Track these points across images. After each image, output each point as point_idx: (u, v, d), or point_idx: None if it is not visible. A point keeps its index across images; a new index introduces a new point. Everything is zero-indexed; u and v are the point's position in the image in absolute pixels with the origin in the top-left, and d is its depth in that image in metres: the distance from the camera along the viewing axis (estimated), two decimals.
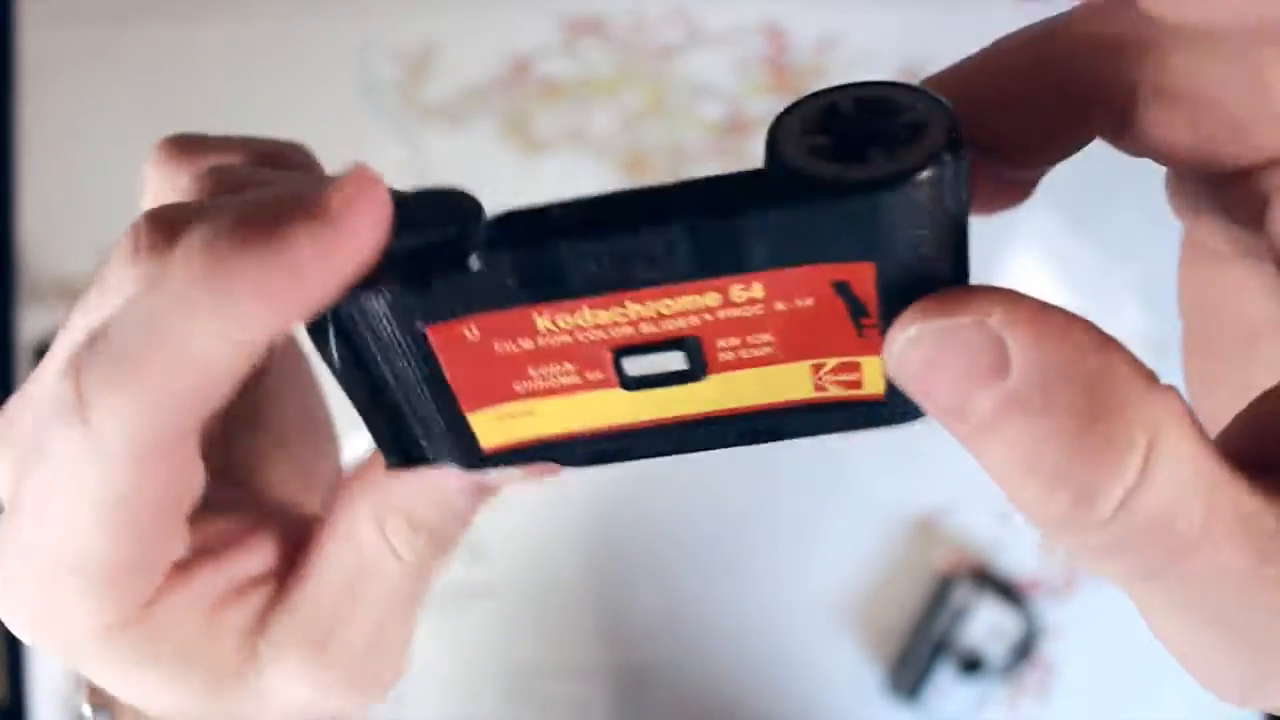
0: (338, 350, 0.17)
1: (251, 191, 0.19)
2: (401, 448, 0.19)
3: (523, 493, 0.20)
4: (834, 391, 0.17)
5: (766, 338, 0.16)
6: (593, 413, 0.17)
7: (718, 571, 0.55)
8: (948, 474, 0.54)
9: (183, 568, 0.20)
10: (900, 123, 0.14)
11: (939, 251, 0.15)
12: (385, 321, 0.16)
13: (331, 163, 0.20)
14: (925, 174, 0.14)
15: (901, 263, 0.15)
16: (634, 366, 0.16)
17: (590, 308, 0.16)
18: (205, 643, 0.20)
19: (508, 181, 0.54)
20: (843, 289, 0.15)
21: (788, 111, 0.15)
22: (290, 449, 0.26)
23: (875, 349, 0.16)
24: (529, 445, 0.18)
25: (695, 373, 0.17)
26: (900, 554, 0.54)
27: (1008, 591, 0.53)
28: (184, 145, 0.22)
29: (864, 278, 0.15)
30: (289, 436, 0.26)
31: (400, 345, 0.16)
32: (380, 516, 0.20)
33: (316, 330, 0.17)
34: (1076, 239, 0.53)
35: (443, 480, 0.20)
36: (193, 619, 0.20)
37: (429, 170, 0.55)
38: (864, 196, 0.14)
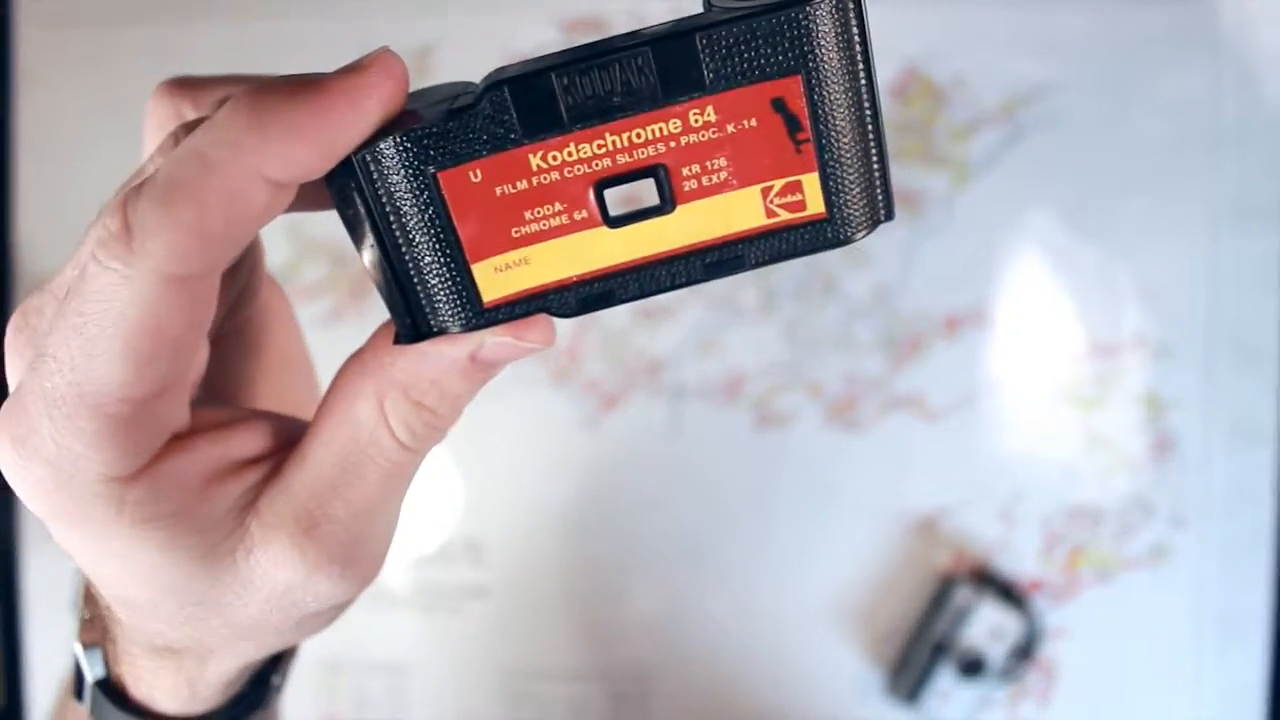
0: (357, 198, 0.19)
1: None
2: (410, 319, 0.21)
3: (516, 357, 0.22)
4: (783, 216, 0.20)
5: (722, 161, 0.19)
6: (580, 255, 0.20)
7: (717, 573, 0.55)
8: (948, 475, 0.54)
9: (182, 439, 0.21)
10: None
11: (848, 60, 0.19)
12: (401, 168, 0.19)
13: None
14: None
15: (821, 73, 0.19)
16: (614, 200, 0.19)
17: (575, 142, 0.19)
18: (202, 509, 0.21)
19: None
20: (779, 105, 0.19)
21: None
22: (272, 377, 0.27)
23: (812, 165, 0.20)
24: (525, 296, 0.20)
25: (665, 205, 0.20)
26: (900, 555, 0.54)
27: (1008, 593, 0.53)
28: (187, 81, 0.24)
29: (795, 92, 0.19)
30: (271, 365, 0.27)
31: (413, 191, 0.19)
32: (380, 394, 0.21)
33: (338, 179, 0.19)
34: (1076, 239, 0.53)
35: (441, 356, 0.21)
36: (191, 483, 0.21)
37: None
38: (789, 9, 0.18)
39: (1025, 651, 0.53)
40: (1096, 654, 0.54)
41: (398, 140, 0.19)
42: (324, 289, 0.54)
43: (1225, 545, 0.54)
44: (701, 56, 0.18)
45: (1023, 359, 0.54)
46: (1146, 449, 0.54)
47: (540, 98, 0.18)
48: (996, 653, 0.53)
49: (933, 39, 0.53)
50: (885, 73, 0.53)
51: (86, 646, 0.25)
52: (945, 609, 0.52)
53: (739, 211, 0.20)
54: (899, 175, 0.53)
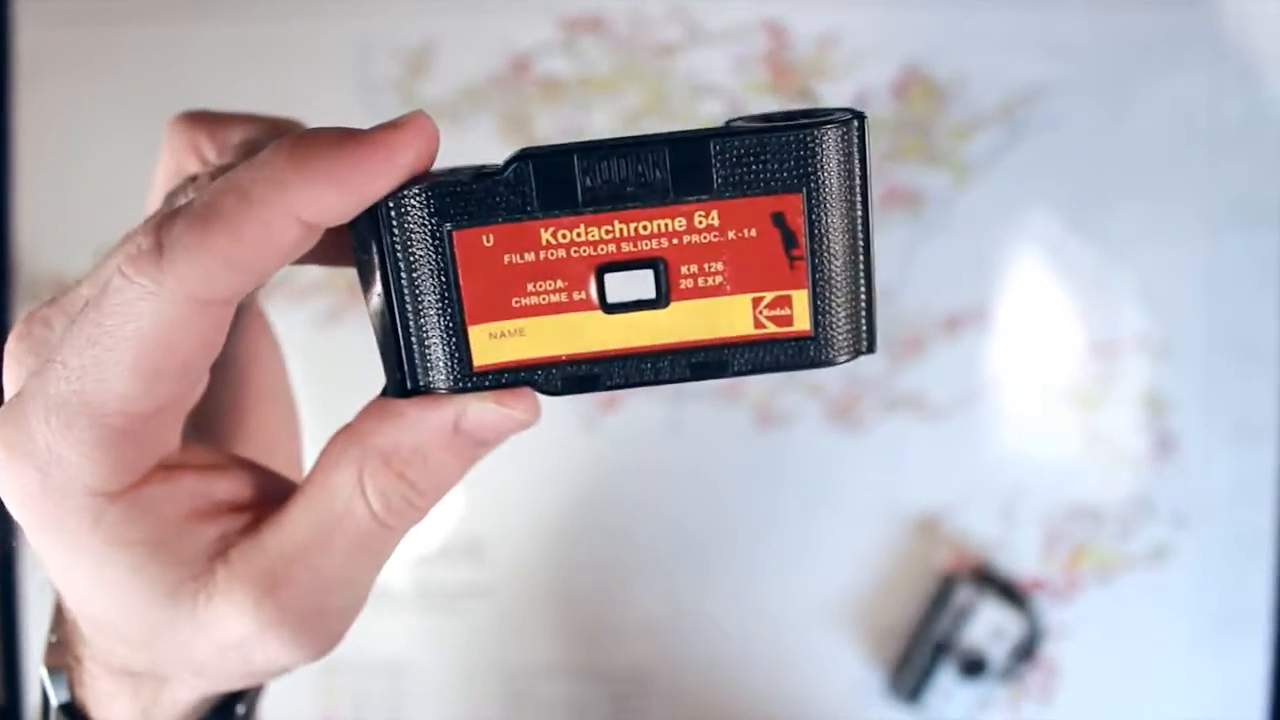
0: (374, 244, 0.20)
1: None
2: (401, 373, 0.22)
3: (500, 429, 0.22)
4: (770, 328, 0.21)
5: (719, 266, 0.21)
6: (573, 335, 0.21)
7: (717, 572, 0.55)
8: (949, 474, 0.54)
9: (169, 470, 0.21)
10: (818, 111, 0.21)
11: (848, 188, 0.20)
12: (421, 220, 0.20)
13: None
14: (840, 123, 0.20)
15: (821, 194, 0.20)
16: (613, 287, 0.21)
17: (585, 224, 0.20)
18: (175, 543, 0.21)
19: None
20: (779, 219, 0.20)
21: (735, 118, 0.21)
22: (254, 415, 0.27)
23: (803, 282, 0.21)
24: (514, 366, 0.21)
25: (660, 300, 0.21)
26: (901, 554, 0.54)
27: (1010, 592, 0.53)
28: (206, 115, 0.24)
29: (795, 209, 0.20)
30: (255, 399, 0.27)
31: (428, 244, 0.20)
32: (360, 462, 0.22)
33: (360, 224, 0.20)
34: (1076, 239, 0.53)
35: (424, 422, 0.21)
36: (170, 514, 0.21)
37: None
38: (799, 131, 0.20)
39: (1026, 651, 0.53)
40: (1097, 653, 0.54)
41: (422, 191, 0.20)
42: (323, 289, 0.54)
43: (1226, 544, 0.54)
44: (713, 161, 0.20)
45: (1023, 358, 0.54)
46: (1147, 448, 0.54)
47: (560, 176, 0.20)
48: (997, 652, 0.53)
49: (933, 39, 0.53)
50: (885, 72, 0.53)
51: (52, 671, 0.25)
52: (946, 609, 0.52)
53: (729, 317, 0.21)
54: (899, 174, 0.53)
